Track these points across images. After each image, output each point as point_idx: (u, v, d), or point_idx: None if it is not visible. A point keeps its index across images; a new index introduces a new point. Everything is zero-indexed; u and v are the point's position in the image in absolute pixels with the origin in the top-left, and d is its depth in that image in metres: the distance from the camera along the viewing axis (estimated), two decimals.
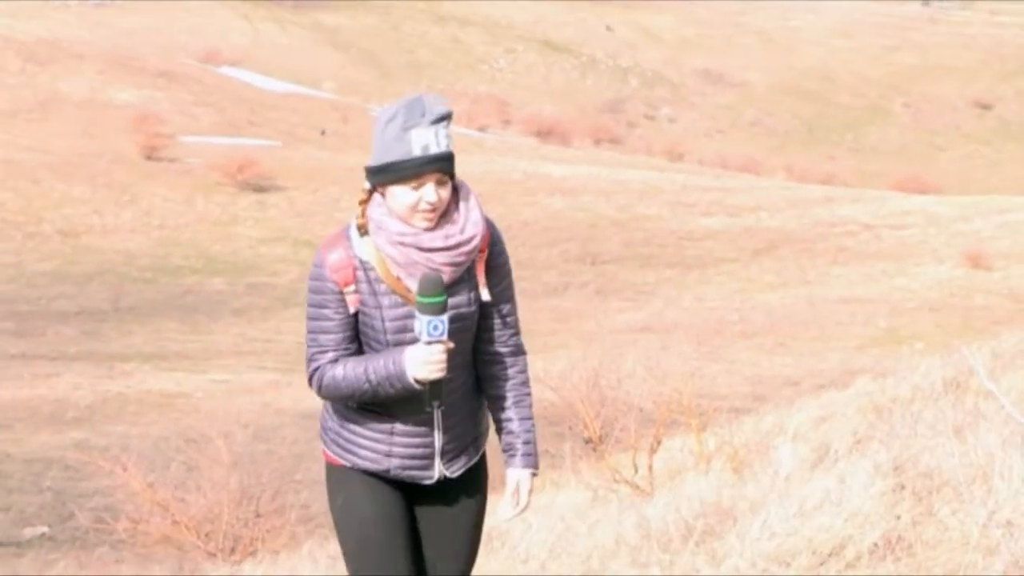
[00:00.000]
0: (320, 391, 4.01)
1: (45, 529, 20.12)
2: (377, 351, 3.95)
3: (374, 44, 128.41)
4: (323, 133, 76.01)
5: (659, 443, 12.61)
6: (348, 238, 4.01)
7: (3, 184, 56.46)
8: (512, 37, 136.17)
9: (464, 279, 3.97)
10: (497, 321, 4.09)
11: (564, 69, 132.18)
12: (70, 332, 39.58)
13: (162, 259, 50.58)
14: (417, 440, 4.04)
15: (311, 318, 4.00)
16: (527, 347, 4.23)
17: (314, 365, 4.00)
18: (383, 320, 3.94)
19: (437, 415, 4.02)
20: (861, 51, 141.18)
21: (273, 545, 16.48)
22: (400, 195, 3.89)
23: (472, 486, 4.20)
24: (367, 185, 3.98)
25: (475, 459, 4.18)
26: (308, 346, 4.02)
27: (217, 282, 48.12)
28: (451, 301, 3.91)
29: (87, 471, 19.12)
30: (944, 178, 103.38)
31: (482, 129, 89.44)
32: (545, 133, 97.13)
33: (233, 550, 16.65)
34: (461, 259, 3.93)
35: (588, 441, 14.97)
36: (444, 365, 3.86)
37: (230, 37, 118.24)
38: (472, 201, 3.98)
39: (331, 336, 3.97)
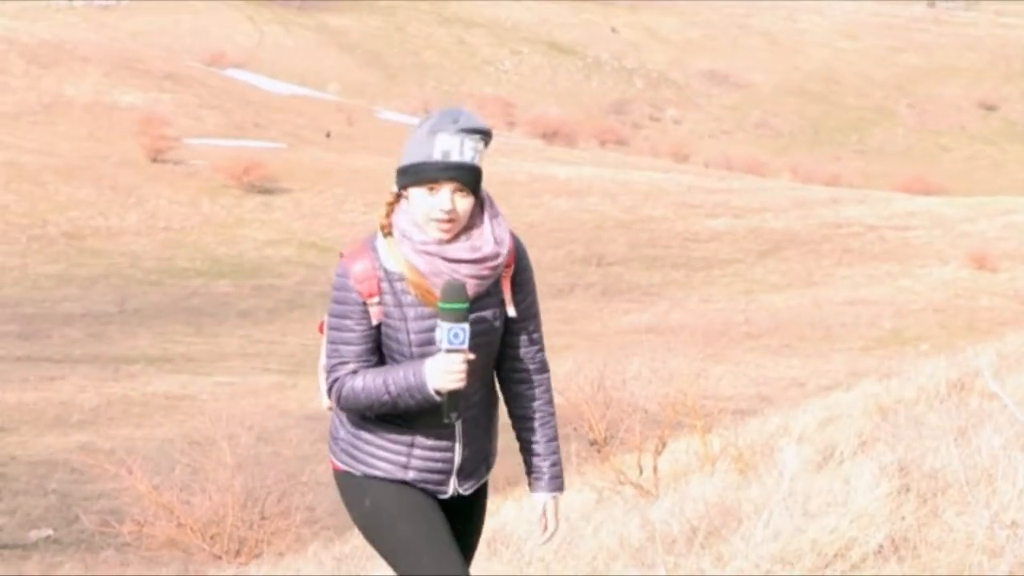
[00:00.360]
0: (339, 402, 3.93)
1: (51, 532, 20.14)
2: (400, 363, 3.89)
3: (379, 46, 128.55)
4: (328, 135, 76.10)
5: (664, 445, 12.60)
6: (374, 249, 3.90)
7: (8, 187, 56.55)
8: (517, 39, 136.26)
9: (490, 293, 3.91)
10: (523, 337, 4.02)
11: (569, 71, 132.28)
12: (75, 334, 39.62)
13: (167, 261, 50.63)
14: (437, 455, 3.98)
15: (332, 328, 3.92)
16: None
17: (334, 376, 3.92)
18: (408, 332, 3.86)
19: (458, 431, 3.96)
20: (866, 52, 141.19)
21: (278, 547, 16.48)
22: (417, 199, 3.82)
23: (476, 507, 4.15)
24: (395, 188, 3.90)
25: (485, 477, 4.13)
26: (328, 357, 3.93)
27: (222, 284, 48.15)
28: (476, 316, 3.84)
29: (92, 474, 19.11)
30: (949, 179, 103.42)
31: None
32: (551, 135, 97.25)
33: (238, 552, 16.66)
34: (486, 273, 3.86)
35: (593, 443, 14.95)
36: (464, 375, 3.78)
37: (235, 39, 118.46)
38: (500, 217, 3.92)
39: (352, 348, 3.90)
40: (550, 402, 4.11)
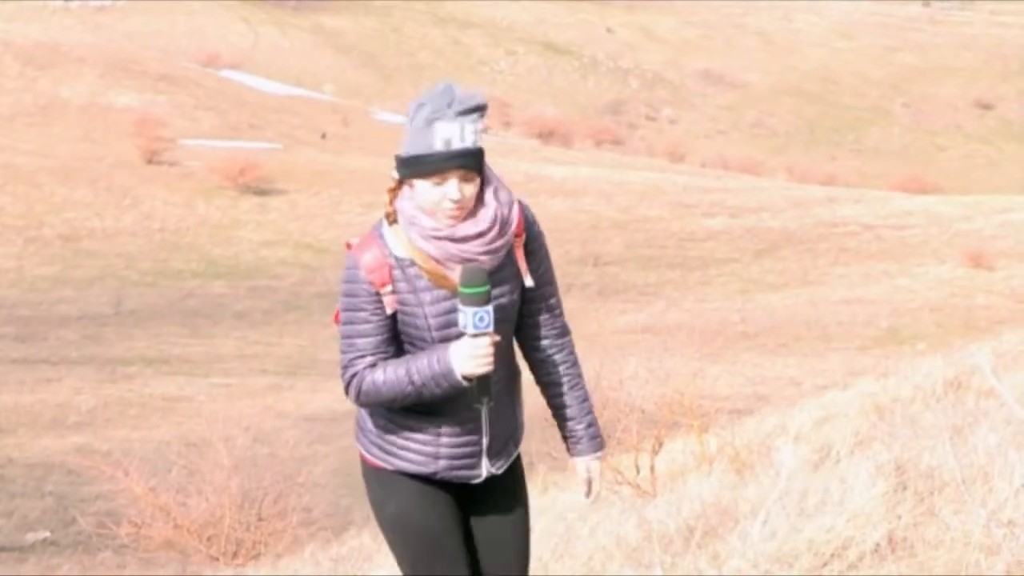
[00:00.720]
0: (359, 398, 3.83)
1: (47, 534, 20.10)
2: (422, 350, 3.80)
3: (375, 46, 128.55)
4: (324, 136, 76.05)
5: (661, 444, 12.58)
6: (381, 236, 3.82)
7: (4, 188, 56.50)
8: (513, 39, 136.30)
9: (505, 265, 3.83)
10: (542, 305, 3.95)
11: (565, 71, 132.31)
12: (71, 336, 39.59)
13: (163, 263, 50.60)
14: (464, 439, 3.89)
15: (346, 322, 3.82)
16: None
17: (351, 371, 3.82)
18: (426, 317, 3.78)
19: (484, 412, 3.87)
20: (862, 52, 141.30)
21: (275, 548, 16.48)
22: (423, 191, 3.73)
23: (516, 484, 4.06)
24: (395, 175, 3.82)
25: (515, 453, 4.05)
26: (343, 352, 3.83)
27: (218, 285, 48.12)
28: (495, 292, 3.75)
29: (89, 476, 19.09)
30: (945, 178, 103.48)
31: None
32: (546, 135, 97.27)
33: (235, 554, 16.65)
34: (499, 244, 3.78)
35: None
36: (491, 358, 3.70)
37: (231, 40, 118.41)
38: (501, 185, 3.84)
39: (368, 339, 3.80)
40: (576, 364, 4.07)
